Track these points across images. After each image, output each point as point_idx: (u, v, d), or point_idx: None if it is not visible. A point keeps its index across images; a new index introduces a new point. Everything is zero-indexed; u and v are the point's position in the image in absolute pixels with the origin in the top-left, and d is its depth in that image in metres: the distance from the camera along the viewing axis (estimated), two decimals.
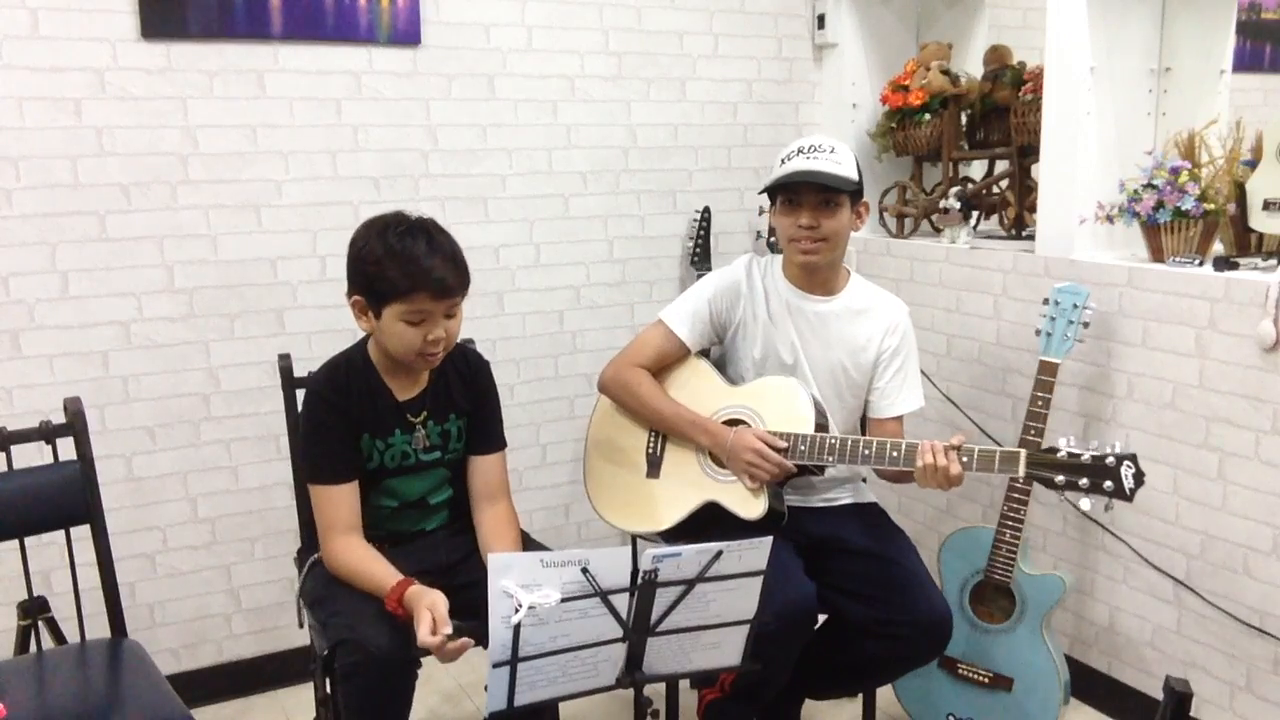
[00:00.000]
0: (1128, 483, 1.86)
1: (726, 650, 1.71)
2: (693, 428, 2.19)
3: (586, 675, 1.63)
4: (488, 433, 2.10)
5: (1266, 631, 2.24)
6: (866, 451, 2.04)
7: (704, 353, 2.30)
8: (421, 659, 1.83)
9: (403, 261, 1.83)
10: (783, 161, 2.13)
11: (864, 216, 2.20)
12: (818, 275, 2.20)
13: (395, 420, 1.99)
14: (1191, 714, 1.17)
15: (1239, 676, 2.31)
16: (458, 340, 2.01)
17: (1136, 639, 2.53)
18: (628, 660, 1.65)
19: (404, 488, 2.04)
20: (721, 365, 2.30)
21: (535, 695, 1.60)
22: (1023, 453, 1.93)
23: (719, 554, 1.59)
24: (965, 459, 1.96)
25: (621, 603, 1.58)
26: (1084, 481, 1.88)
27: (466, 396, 2.07)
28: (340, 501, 1.94)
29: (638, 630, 1.61)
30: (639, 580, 1.56)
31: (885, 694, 2.47)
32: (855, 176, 2.13)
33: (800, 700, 2.38)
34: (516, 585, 1.50)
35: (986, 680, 2.45)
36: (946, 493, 3.01)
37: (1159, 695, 1.21)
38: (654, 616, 1.61)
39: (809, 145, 2.12)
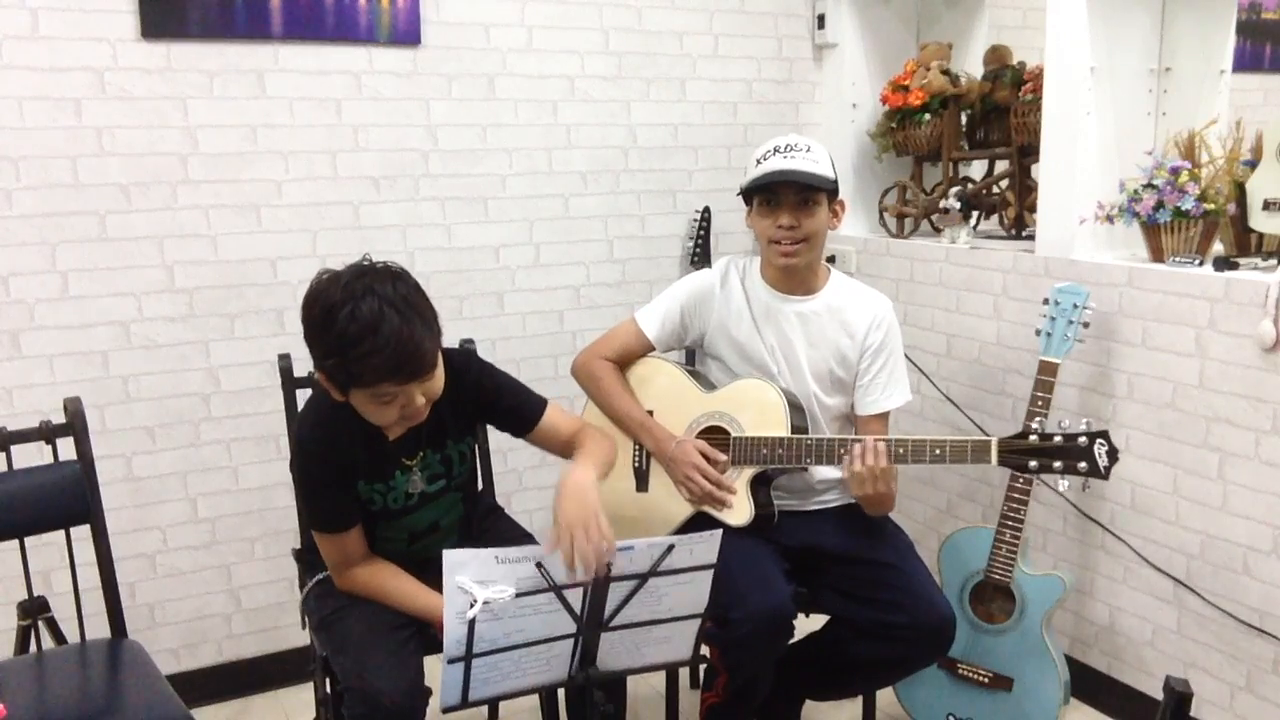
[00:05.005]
0: (1101, 460, 1.84)
1: (676, 645, 1.72)
2: (641, 430, 2.20)
3: (540, 671, 1.63)
4: (520, 415, 1.99)
5: (1266, 631, 2.24)
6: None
7: (690, 358, 2.29)
8: (429, 696, 1.77)
9: (357, 357, 1.65)
10: (759, 161, 2.11)
11: (840, 215, 2.18)
12: (796, 276, 2.18)
13: (391, 464, 1.90)
14: (1191, 714, 1.17)
15: (1239, 676, 2.31)
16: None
17: (1136, 639, 2.53)
18: (581, 655, 1.65)
19: (414, 522, 1.98)
20: (704, 368, 2.29)
21: (489, 690, 1.61)
22: (994, 440, 1.92)
23: (670, 548, 1.60)
24: (938, 451, 1.96)
25: (575, 597, 1.58)
26: (1058, 464, 1.87)
27: (468, 412, 1.97)
28: (347, 544, 1.89)
29: (591, 625, 1.62)
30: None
31: (885, 694, 2.47)
32: (832, 175, 2.12)
33: (800, 701, 2.37)
34: (471, 581, 1.51)
35: (986, 680, 2.45)
36: (946, 493, 3.02)
37: (1159, 695, 1.21)
38: (607, 611, 1.62)
39: (785, 144, 2.10)
